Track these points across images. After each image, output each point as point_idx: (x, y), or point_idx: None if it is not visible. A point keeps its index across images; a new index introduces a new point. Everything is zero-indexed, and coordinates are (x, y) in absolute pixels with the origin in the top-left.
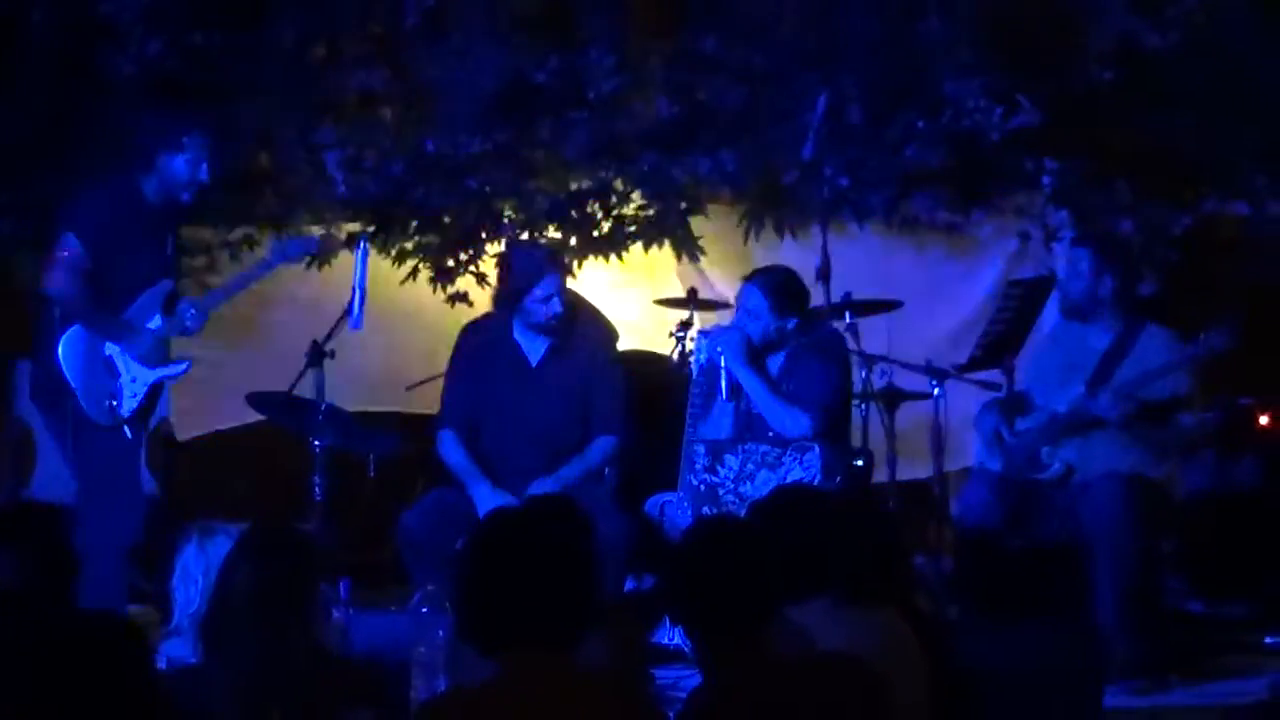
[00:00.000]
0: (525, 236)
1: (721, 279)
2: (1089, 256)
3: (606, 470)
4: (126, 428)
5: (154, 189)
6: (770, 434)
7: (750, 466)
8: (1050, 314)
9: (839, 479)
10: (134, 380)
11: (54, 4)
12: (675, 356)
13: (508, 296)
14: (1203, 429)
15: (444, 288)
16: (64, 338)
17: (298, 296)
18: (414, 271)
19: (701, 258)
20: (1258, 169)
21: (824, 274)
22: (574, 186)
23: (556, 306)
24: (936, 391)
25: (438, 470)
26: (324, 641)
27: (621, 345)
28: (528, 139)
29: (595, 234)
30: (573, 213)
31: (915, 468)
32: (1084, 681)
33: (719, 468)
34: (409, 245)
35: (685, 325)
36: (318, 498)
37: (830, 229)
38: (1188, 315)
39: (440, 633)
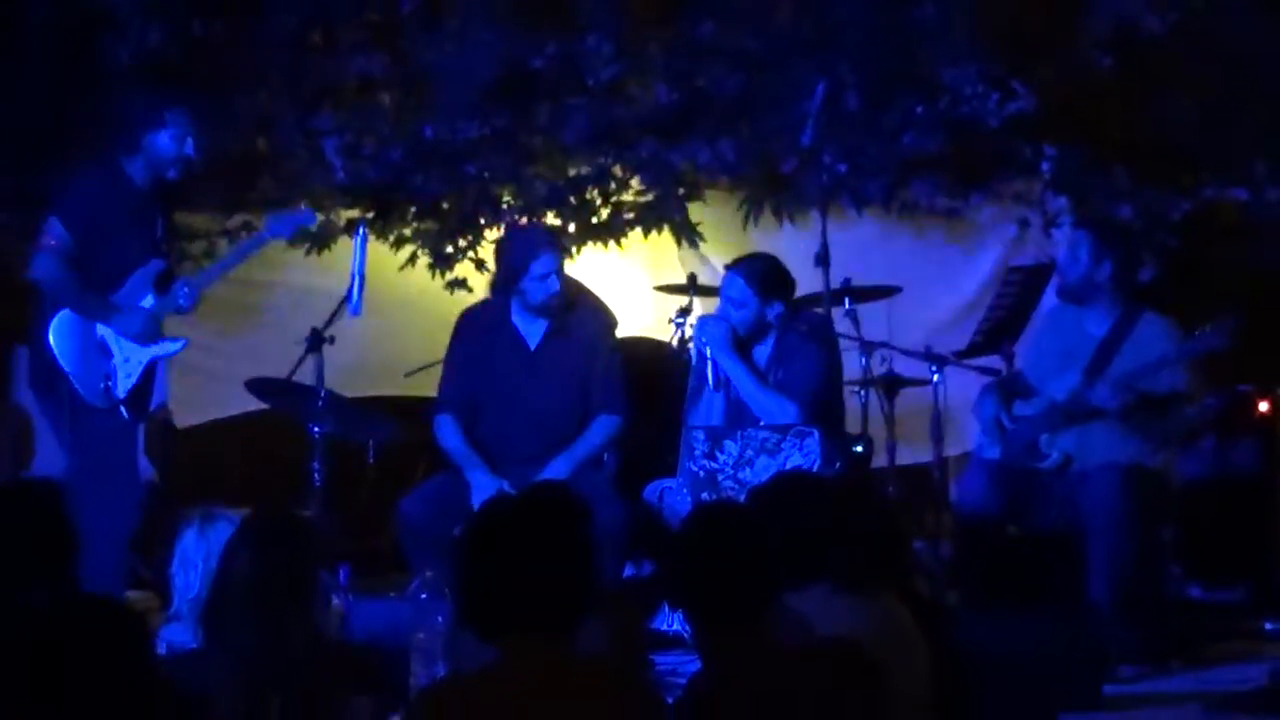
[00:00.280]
0: (523, 221)
1: (721, 265)
2: (1088, 241)
3: (606, 456)
4: (123, 408)
5: (140, 170)
6: (760, 421)
7: (750, 452)
8: (1050, 301)
9: (839, 465)
10: (128, 360)
11: None
12: (675, 343)
13: (505, 277)
14: (1202, 419)
15: (443, 274)
16: (54, 321)
17: (297, 283)
18: (413, 258)
19: (701, 244)
20: (1257, 155)
21: (823, 260)
22: (573, 173)
23: (554, 285)
24: (936, 377)
25: (437, 457)
26: (324, 628)
27: (621, 331)
28: (526, 125)
29: (594, 220)
30: (571, 199)
31: (915, 453)
32: (1083, 668)
33: (718, 454)
34: (408, 231)
35: (685, 311)
36: (317, 484)
37: (829, 215)
38: (1187, 302)
39: (439, 619)
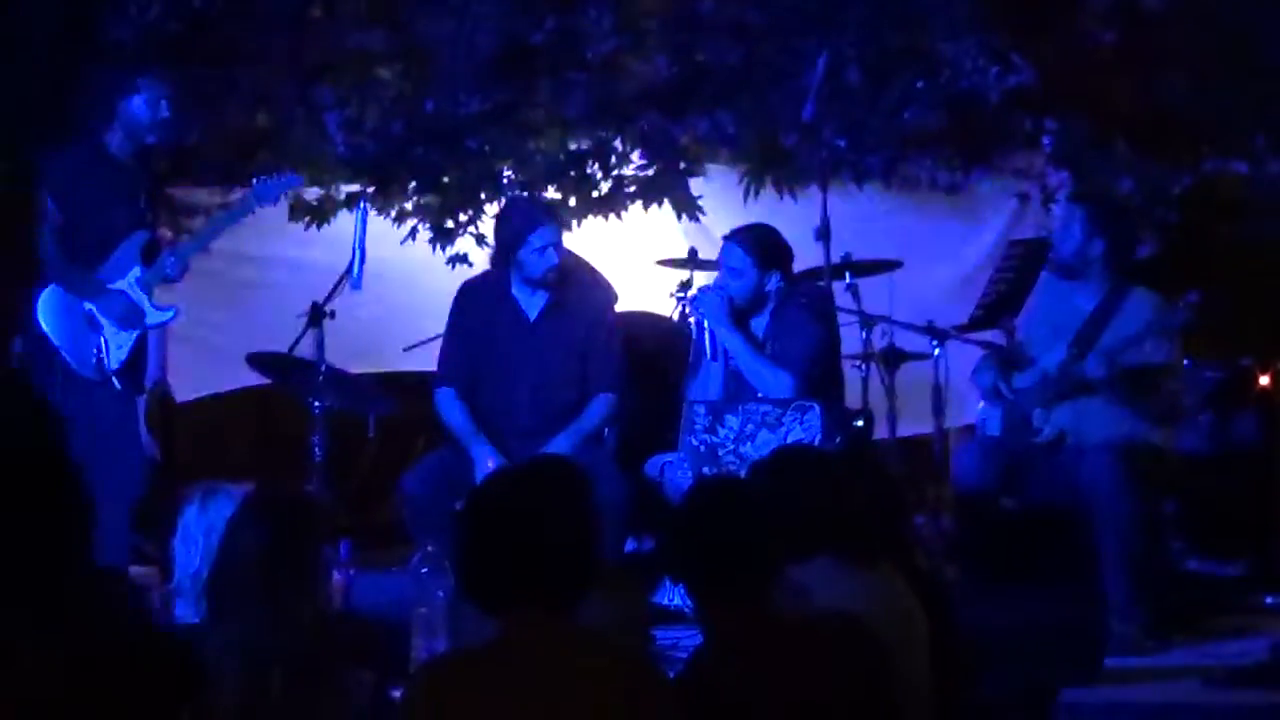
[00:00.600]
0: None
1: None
2: (1083, 215)
3: (606, 431)
4: (115, 379)
5: (119, 141)
6: (759, 393)
7: (750, 427)
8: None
9: (839, 439)
10: (118, 331)
11: None
12: (675, 317)
13: (503, 249)
14: (1184, 393)
15: (444, 249)
16: (42, 296)
17: (297, 258)
18: (413, 232)
19: (701, 218)
20: (1257, 128)
21: (824, 235)
22: (573, 147)
23: (553, 257)
24: (937, 351)
25: (438, 431)
26: (325, 603)
27: (621, 306)
28: (527, 99)
29: (595, 194)
30: (572, 173)
31: (916, 427)
32: (1083, 642)
33: (719, 428)
34: (408, 206)
35: (686, 285)
36: (317, 459)
37: (830, 189)
38: (1187, 275)
39: (440, 593)
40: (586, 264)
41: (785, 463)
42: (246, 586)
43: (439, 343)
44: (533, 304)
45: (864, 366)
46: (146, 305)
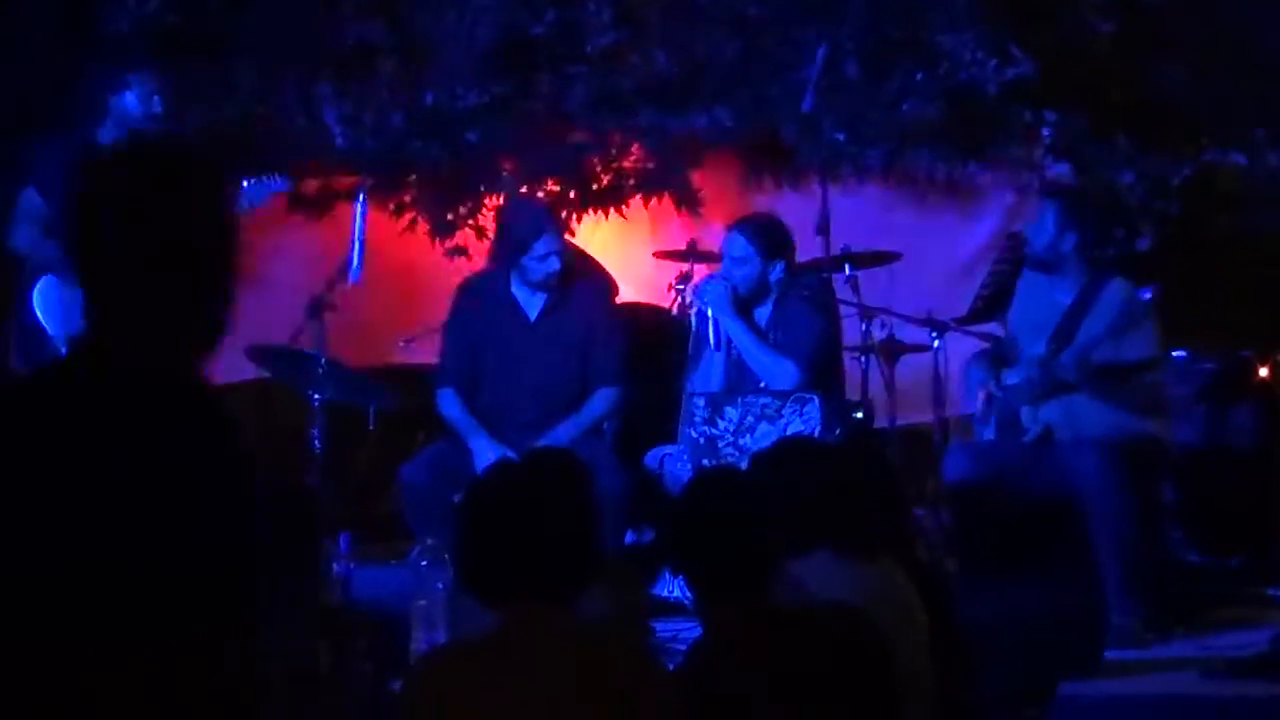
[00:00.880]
0: (524, 190)
1: (722, 231)
2: (1055, 210)
3: (605, 424)
4: None
5: (110, 134)
6: (762, 383)
7: (750, 419)
8: None
9: (839, 431)
10: None
11: None
12: (675, 309)
13: (505, 252)
14: (1169, 385)
15: (443, 241)
16: (37, 288)
17: (296, 250)
18: (412, 225)
19: (701, 210)
20: (1256, 119)
21: (823, 227)
22: (573, 140)
23: (554, 264)
24: (937, 343)
25: (437, 423)
26: (325, 595)
27: (621, 298)
28: (526, 92)
29: (594, 187)
30: (572, 166)
31: (916, 416)
32: (1083, 634)
33: (719, 420)
34: (408, 199)
35: (685, 277)
36: (317, 451)
37: (829, 182)
38: (1186, 267)
39: (440, 586)
40: (587, 257)
41: (786, 455)
42: None
43: (439, 335)
44: (533, 304)
45: (863, 358)
46: None
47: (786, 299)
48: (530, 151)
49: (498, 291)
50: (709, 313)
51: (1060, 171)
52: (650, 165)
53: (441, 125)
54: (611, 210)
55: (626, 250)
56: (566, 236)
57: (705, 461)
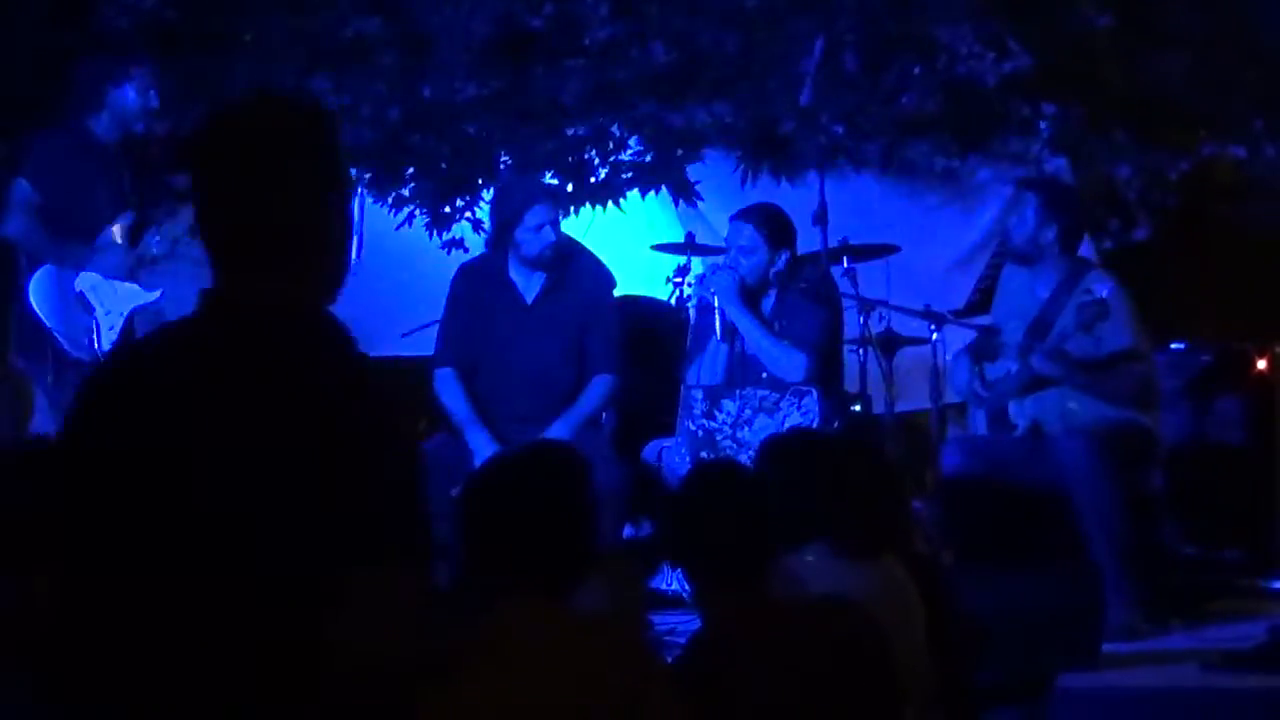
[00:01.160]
0: None
1: (720, 224)
2: (1034, 202)
3: (604, 416)
4: None
5: (105, 126)
6: (764, 375)
7: (748, 412)
8: None
9: (837, 424)
10: (109, 313)
11: None
12: (673, 302)
13: (499, 229)
14: (1157, 376)
15: (440, 234)
16: (33, 279)
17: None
18: (410, 218)
19: (699, 203)
20: (1255, 112)
21: (821, 219)
22: (570, 133)
23: (549, 235)
24: (935, 336)
25: (435, 416)
26: None
27: (618, 290)
28: (524, 85)
29: (592, 180)
30: (569, 159)
31: (913, 403)
32: (1082, 627)
33: (717, 413)
34: (405, 191)
35: (683, 270)
36: None
37: (827, 174)
38: (1185, 260)
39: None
40: (584, 248)
41: (784, 447)
42: None
43: (437, 328)
44: (530, 286)
45: (861, 351)
46: (133, 286)
47: (790, 290)
48: (528, 144)
49: (495, 274)
50: (715, 303)
51: (1058, 165)
52: (648, 158)
53: (439, 118)
54: (609, 203)
55: (624, 243)
56: (564, 231)
57: (703, 454)
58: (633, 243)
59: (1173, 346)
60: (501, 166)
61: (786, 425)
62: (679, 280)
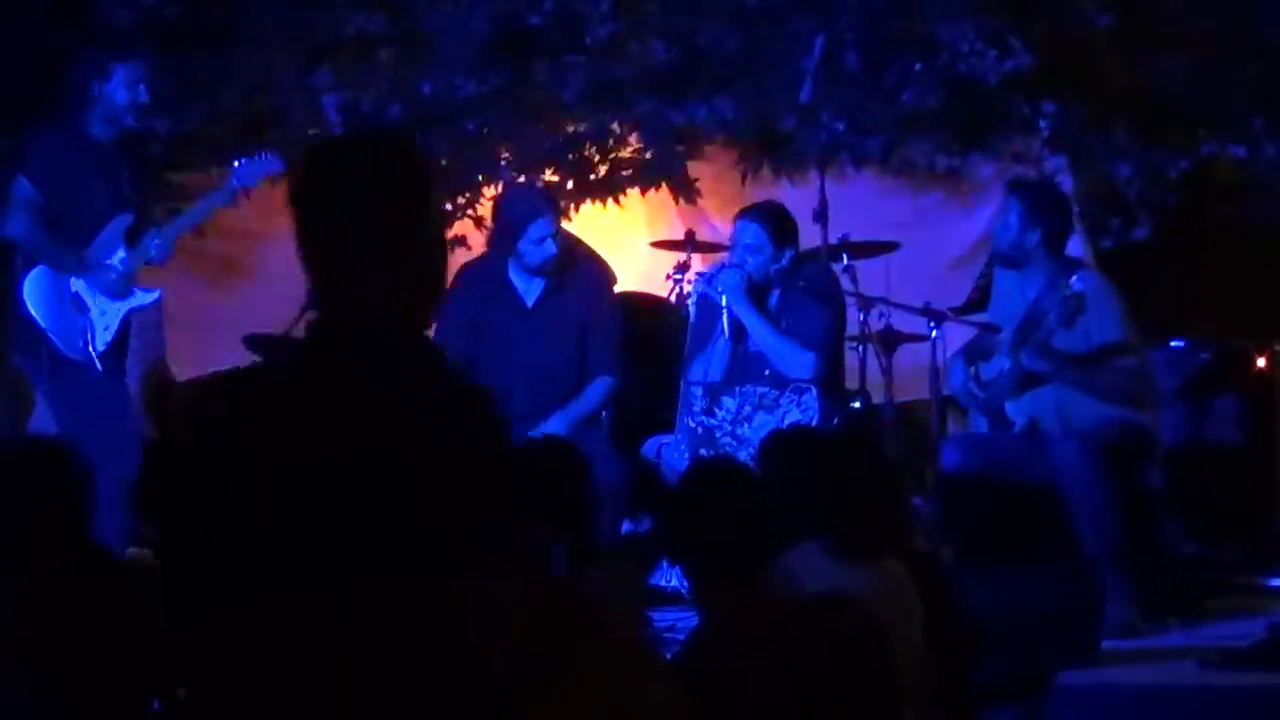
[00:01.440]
0: (521, 179)
1: (719, 221)
2: (1018, 206)
3: (603, 413)
4: (98, 362)
5: (99, 124)
6: (766, 372)
7: (748, 409)
8: None
9: (836, 421)
10: (104, 314)
11: None
12: (673, 299)
13: (502, 237)
14: (1149, 373)
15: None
16: (28, 279)
17: (294, 240)
18: None
19: (699, 200)
20: (1255, 111)
21: (821, 216)
22: (571, 130)
23: (551, 248)
24: (935, 333)
25: None
26: None
27: (619, 288)
28: (525, 82)
29: (592, 177)
30: (570, 156)
31: (912, 394)
32: (1081, 624)
33: (716, 410)
34: None
35: (683, 267)
36: None
37: (827, 172)
38: (1185, 259)
39: None
40: (585, 246)
41: (784, 445)
42: None
43: (436, 326)
44: (530, 290)
45: (861, 348)
46: (132, 287)
47: (792, 290)
48: (528, 141)
49: (495, 277)
50: (723, 301)
51: (1058, 163)
52: (648, 155)
53: (440, 115)
54: (609, 200)
55: (624, 240)
56: (564, 225)
57: (703, 451)
58: (632, 240)
59: (1172, 345)
60: (502, 164)
61: (786, 422)
62: (679, 277)
